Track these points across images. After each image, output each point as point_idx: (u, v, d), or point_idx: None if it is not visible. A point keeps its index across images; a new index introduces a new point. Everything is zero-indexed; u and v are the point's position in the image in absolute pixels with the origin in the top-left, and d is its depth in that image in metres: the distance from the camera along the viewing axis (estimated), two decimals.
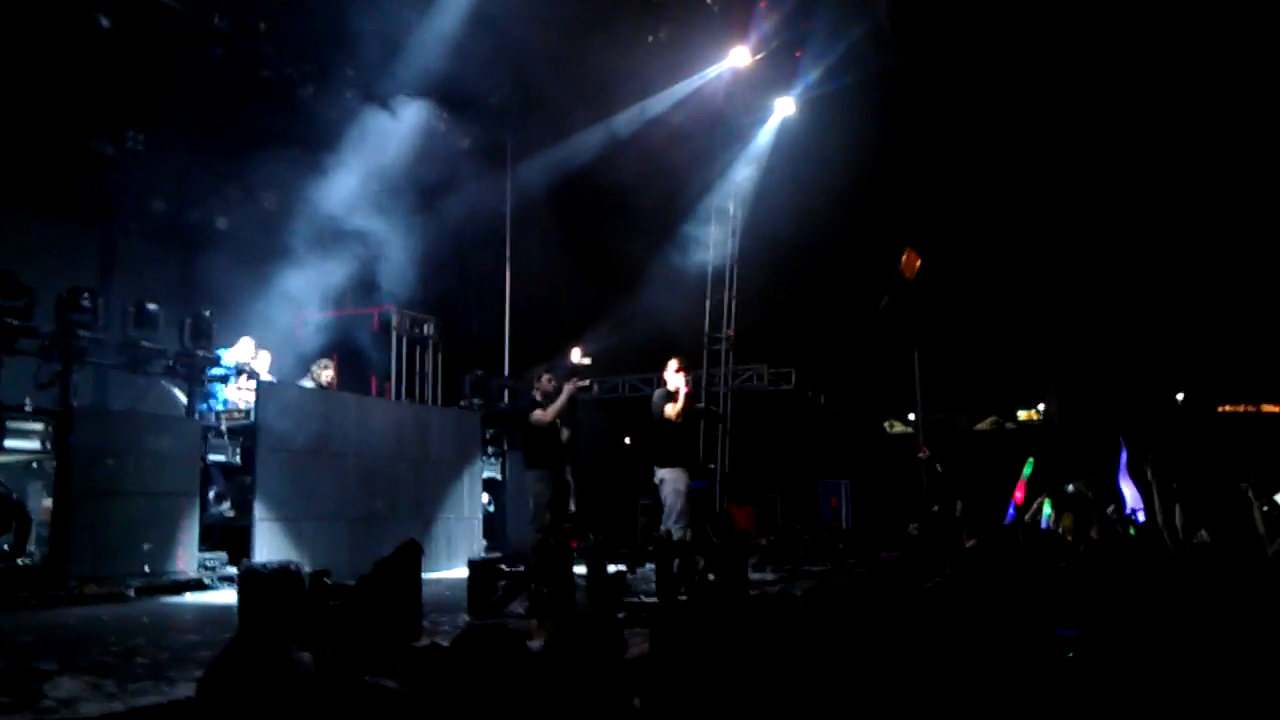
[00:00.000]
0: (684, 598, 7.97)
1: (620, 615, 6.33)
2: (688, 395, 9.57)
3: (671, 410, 9.45)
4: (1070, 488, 12.37)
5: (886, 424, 20.95)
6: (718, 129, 15.54)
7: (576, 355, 11.32)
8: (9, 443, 7.72)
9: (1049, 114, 15.69)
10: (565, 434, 9.32)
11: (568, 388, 9.17)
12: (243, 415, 9.66)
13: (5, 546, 7.66)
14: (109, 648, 5.63)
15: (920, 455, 13.23)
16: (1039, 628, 5.89)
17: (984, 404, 22.36)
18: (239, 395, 9.93)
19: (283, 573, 4.01)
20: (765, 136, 15.51)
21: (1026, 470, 12.90)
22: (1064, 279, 17.37)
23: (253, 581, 3.99)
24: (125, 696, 4.33)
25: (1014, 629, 5.98)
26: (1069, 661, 5.56)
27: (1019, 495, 12.88)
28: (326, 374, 10.85)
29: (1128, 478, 12.20)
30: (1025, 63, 14.82)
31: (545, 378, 9.46)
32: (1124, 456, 12.31)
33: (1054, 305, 17.75)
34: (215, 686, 4.04)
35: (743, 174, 15.73)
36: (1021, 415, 23.53)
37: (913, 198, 15.83)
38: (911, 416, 18.07)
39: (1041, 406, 22.62)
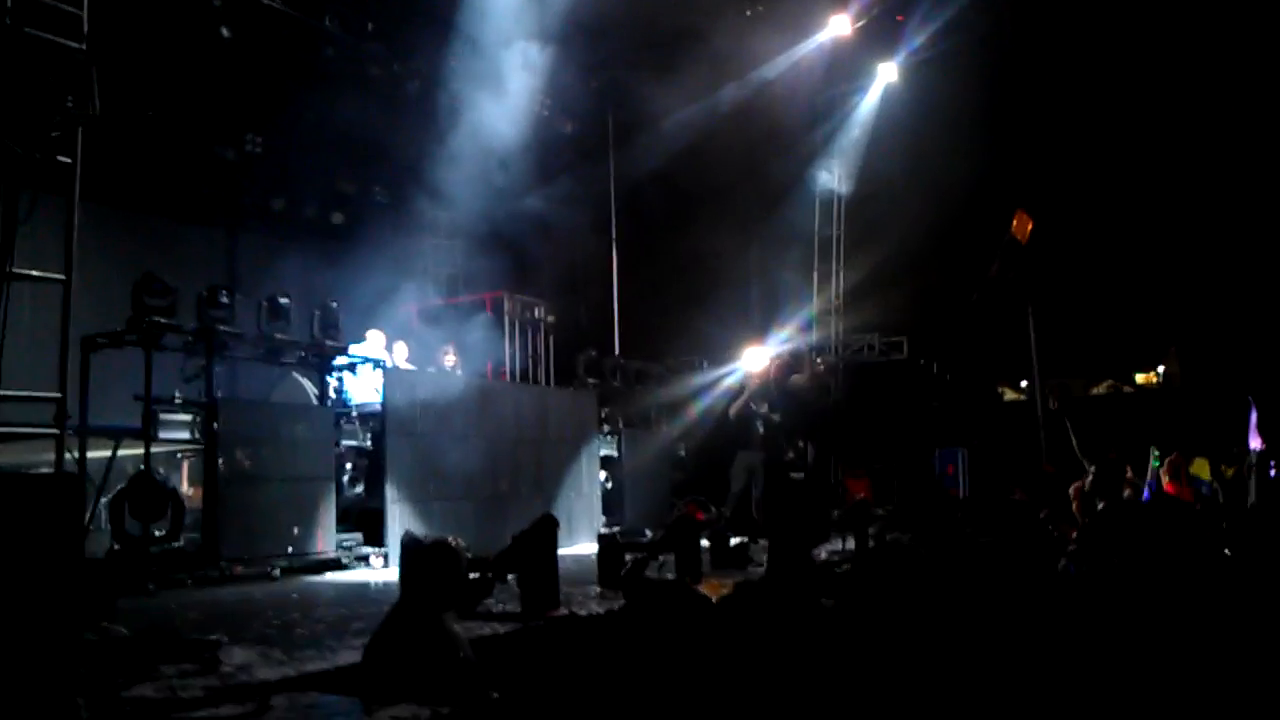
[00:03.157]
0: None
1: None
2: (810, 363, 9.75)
3: (799, 377, 9.65)
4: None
5: (1000, 390, 20.56)
6: (820, 99, 15.44)
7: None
8: (162, 434, 8.15)
9: (1158, 65, 15.16)
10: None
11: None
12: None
13: (162, 531, 8.09)
14: (269, 621, 5.99)
15: (1051, 406, 12.94)
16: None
17: (1100, 367, 21.71)
18: (362, 385, 10.32)
19: (441, 545, 4.21)
20: (869, 104, 15.34)
21: (1154, 464, 12.44)
22: (1178, 232, 16.77)
23: (413, 553, 4.20)
24: (294, 663, 4.62)
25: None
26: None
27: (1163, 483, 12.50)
28: (449, 358, 11.22)
29: (1258, 437, 11.79)
30: (1137, 13, 14.34)
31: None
32: (1254, 417, 11.90)
33: (1170, 261, 17.15)
34: (378, 651, 4.30)
35: (847, 143, 15.59)
36: (1139, 378, 22.74)
37: (1022, 159, 15.47)
38: (1025, 383, 17.71)
39: (1161, 368, 21.88)
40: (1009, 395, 20.28)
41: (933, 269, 15.81)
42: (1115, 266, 17.05)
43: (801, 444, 9.70)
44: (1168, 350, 20.62)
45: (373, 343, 10.77)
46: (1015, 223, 13.88)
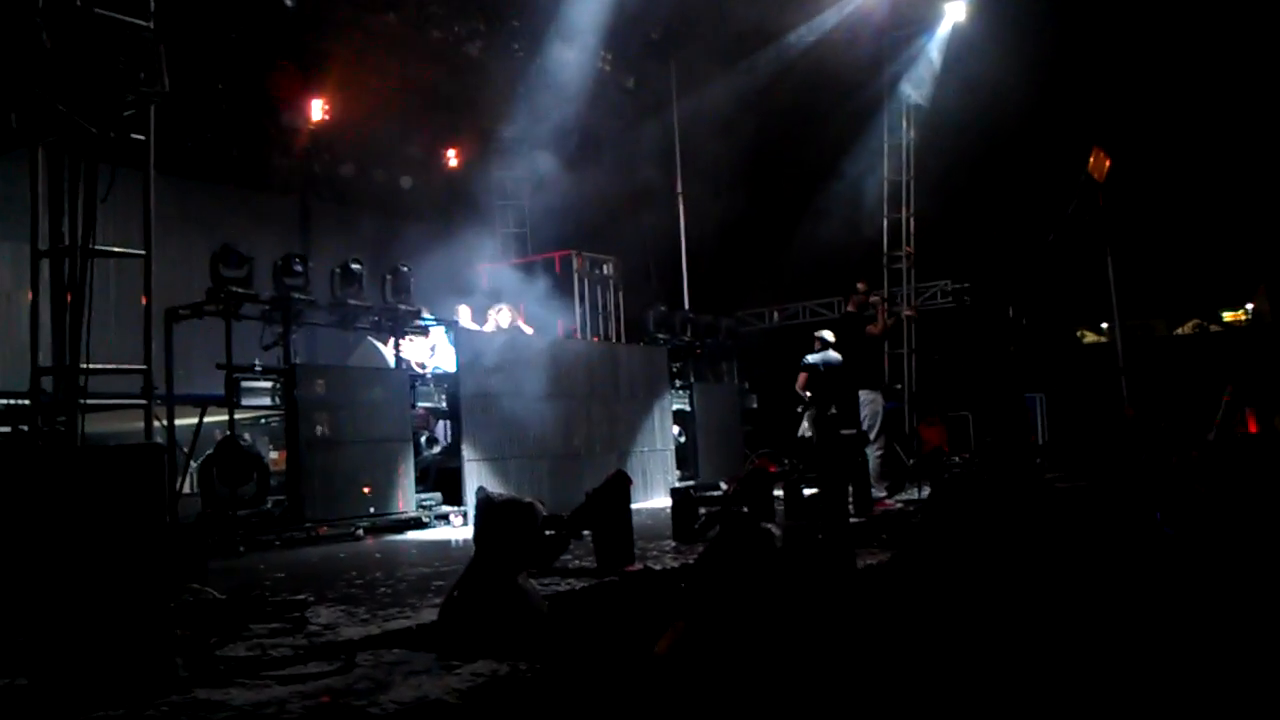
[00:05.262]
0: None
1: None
2: (883, 312, 9.67)
3: (873, 328, 9.56)
4: None
5: (1079, 334, 20.10)
6: (886, 41, 15.10)
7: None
8: (244, 400, 8.38)
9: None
10: None
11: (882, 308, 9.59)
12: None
13: (249, 495, 8.35)
14: (353, 580, 6.16)
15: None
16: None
17: (1184, 307, 21.03)
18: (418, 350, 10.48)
19: (515, 503, 4.28)
20: (937, 45, 14.96)
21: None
22: (1267, 161, 16.09)
23: (487, 511, 4.28)
24: (378, 621, 4.76)
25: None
26: None
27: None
28: (504, 317, 11.27)
29: None
30: None
31: (861, 285, 9.77)
32: None
33: (1258, 192, 16.47)
34: (455, 609, 4.41)
35: (915, 85, 15.25)
36: (1227, 316, 21.96)
37: (1099, 93, 14.98)
38: (1105, 325, 17.29)
39: (1250, 306, 21.14)
40: (1089, 338, 19.83)
41: (1007, 211, 15.47)
42: (1199, 200, 16.47)
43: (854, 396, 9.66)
44: (1257, 287, 19.89)
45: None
46: (1092, 160, 13.47)
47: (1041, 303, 16.82)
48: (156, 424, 6.33)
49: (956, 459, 12.28)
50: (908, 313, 13.59)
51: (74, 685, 3.62)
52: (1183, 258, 17.17)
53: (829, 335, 10.27)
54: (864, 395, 9.60)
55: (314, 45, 12.65)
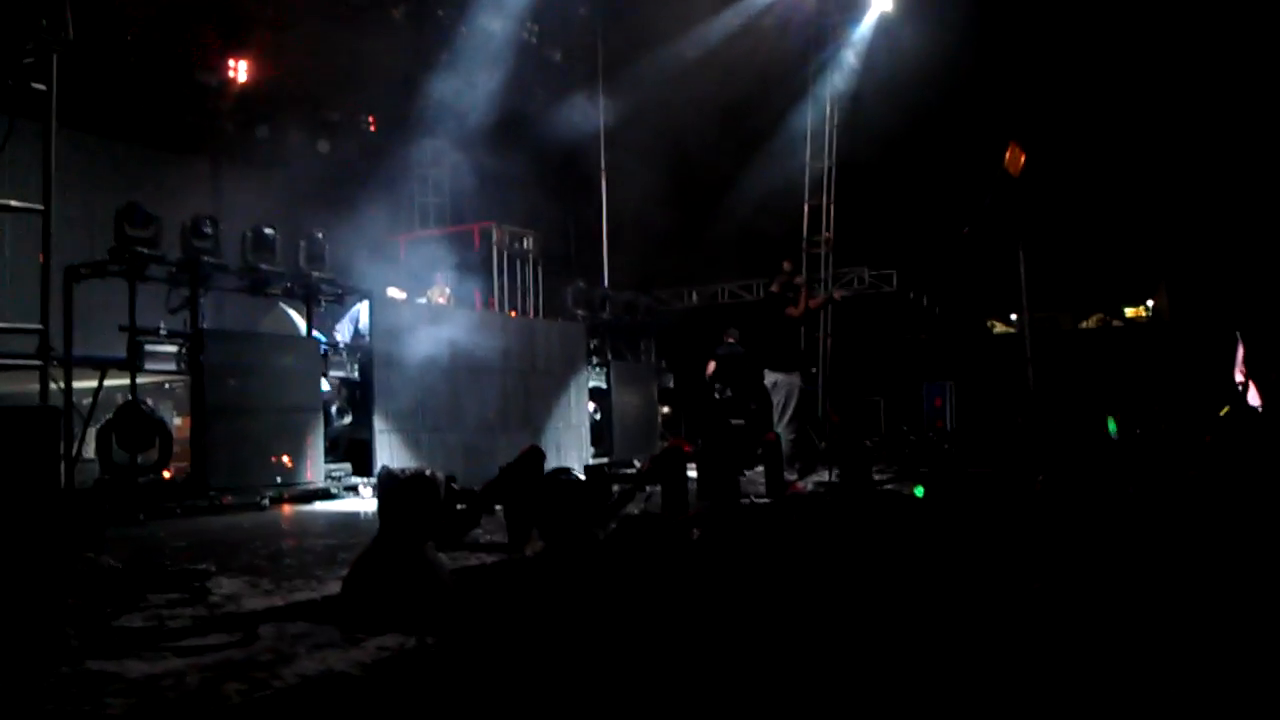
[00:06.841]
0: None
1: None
2: (805, 295, 9.77)
3: (793, 310, 9.65)
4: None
5: (989, 324, 20.61)
6: (813, 28, 15.20)
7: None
8: (148, 365, 8.12)
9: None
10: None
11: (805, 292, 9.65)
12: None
13: (150, 461, 8.11)
14: (257, 551, 6.03)
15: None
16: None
17: (1090, 301, 21.68)
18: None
19: (419, 476, 4.22)
20: (862, 34, 15.12)
21: (1111, 428, 12.51)
22: (1171, 164, 16.63)
23: (391, 485, 4.21)
24: (282, 593, 4.66)
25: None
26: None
27: None
28: (441, 299, 11.18)
29: (1243, 375, 11.92)
30: None
31: (787, 265, 9.82)
32: (1240, 353, 12.00)
33: (1162, 195, 17.03)
34: (359, 582, 4.34)
35: (839, 74, 15.40)
36: (1129, 312, 22.70)
37: (1016, 90, 15.30)
38: (1014, 316, 17.76)
39: (1150, 302, 21.91)
40: (998, 329, 20.29)
41: (924, 202, 15.74)
42: (1107, 200, 16.95)
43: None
44: (1157, 285, 20.58)
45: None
46: (1008, 155, 13.76)
47: (954, 293, 17.21)
48: (53, 386, 6.09)
49: (868, 443, 12.48)
50: (836, 295, 13.74)
51: None
52: (1089, 254, 17.66)
53: (734, 331, 10.68)
54: (780, 378, 9.70)
55: (232, 2, 12.27)
